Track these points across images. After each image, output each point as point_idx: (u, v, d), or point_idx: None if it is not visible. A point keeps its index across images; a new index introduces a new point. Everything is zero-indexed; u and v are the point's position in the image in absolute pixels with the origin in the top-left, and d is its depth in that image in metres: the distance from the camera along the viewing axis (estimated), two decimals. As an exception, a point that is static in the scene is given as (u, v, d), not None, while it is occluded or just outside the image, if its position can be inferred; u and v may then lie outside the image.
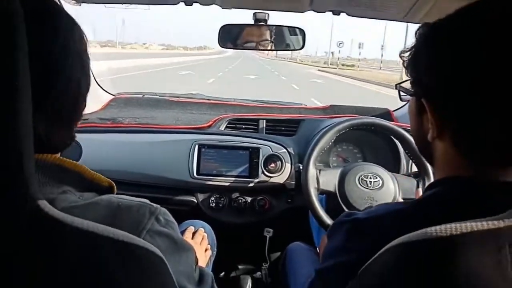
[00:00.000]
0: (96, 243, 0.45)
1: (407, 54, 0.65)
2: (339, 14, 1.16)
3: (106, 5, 1.26)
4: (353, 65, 48.01)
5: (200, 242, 1.23)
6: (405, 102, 1.11)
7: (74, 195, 0.57)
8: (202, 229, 1.30)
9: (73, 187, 0.58)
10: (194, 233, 1.26)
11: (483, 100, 0.53)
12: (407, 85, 0.69)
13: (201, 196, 1.58)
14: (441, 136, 0.60)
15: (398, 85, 0.75)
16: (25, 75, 0.41)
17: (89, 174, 0.62)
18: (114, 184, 0.66)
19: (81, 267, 0.45)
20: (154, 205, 0.61)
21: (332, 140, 1.40)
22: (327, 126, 1.46)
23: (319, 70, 38.27)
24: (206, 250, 1.24)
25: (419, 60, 0.62)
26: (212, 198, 1.57)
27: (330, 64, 50.85)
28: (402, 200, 1.31)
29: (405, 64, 0.66)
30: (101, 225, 0.46)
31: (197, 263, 0.73)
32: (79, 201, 0.55)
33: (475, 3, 0.57)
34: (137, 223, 0.57)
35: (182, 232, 1.24)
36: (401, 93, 0.75)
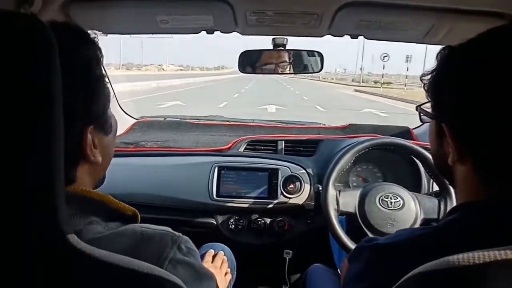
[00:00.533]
0: (121, 275, 0.47)
1: (428, 77, 0.65)
2: (357, 38, 1.18)
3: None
4: (389, 82, 45.43)
5: (220, 266, 1.23)
6: None
7: (100, 225, 0.59)
8: (222, 252, 1.30)
9: (98, 217, 0.60)
10: (214, 257, 1.26)
11: (505, 128, 0.53)
12: (428, 106, 0.69)
13: (220, 218, 1.59)
14: (462, 160, 0.60)
15: (418, 107, 0.74)
16: (59, 110, 0.44)
17: (114, 204, 0.63)
18: (138, 213, 0.67)
19: None
20: (176, 233, 0.62)
21: (352, 161, 1.40)
22: (346, 147, 1.46)
23: (356, 90, 31.45)
24: (226, 273, 1.24)
25: (440, 84, 0.62)
26: (232, 220, 1.57)
27: (363, 82, 48.21)
28: (423, 218, 1.29)
29: (425, 87, 0.66)
30: (126, 258, 0.48)
31: None
32: (104, 232, 0.57)
33: (497, 29, 0.58)
34: (160, 252, 0.58)
35: (202, 256, 1.25)
36: (421, 114, 0.74)
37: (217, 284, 0.73)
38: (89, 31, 0.63)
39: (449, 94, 0.60)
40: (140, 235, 0.58)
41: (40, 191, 0.43)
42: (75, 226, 0.55)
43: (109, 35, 1.25)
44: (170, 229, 0.63)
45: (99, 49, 0.62)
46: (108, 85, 0.64)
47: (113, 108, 1.78)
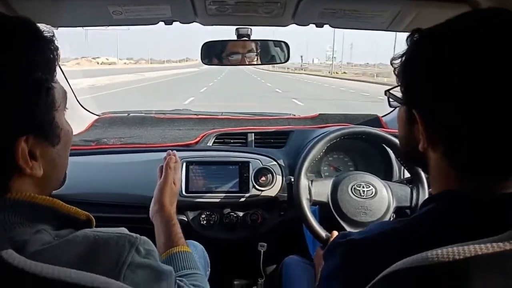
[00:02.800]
0: None
1: (397, 61, 0.63)
2: (322, 26, 1.15)
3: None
4: (344, 72, 46.06)
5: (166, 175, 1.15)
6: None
7: (49, 234, 0.54)
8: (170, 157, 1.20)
9: (48, 225, 0.56)
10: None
11: (477, 112, 0.52)
12: (398, 91, 0.67)
13: (191, 214, 1.55)
14: (433, 147, 0.59)
15: (387, 91, 0.72)
16: None
17: (65, 209, 0.59)
18: (93, 218, 0.63)
19: None
20: (134, 235, 0.59)
21: (323, 150, 1.38)
22: (317, 137, 1.45)
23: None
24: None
25: (411, 68, 0.61)
26: (203, 216, 1.54)
27: (335, 72, 47.16)
28: (396, 206, 1.30)
29: (395, 72, 0.64)
30: (74, 271, 0.44)
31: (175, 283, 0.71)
32: (53, 242, 0.53)
33: (466, 14, 0.57)
34: (117, 256, 0.55)
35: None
36: (390, 99, 0.72)
37: (175, 279, 0.71)
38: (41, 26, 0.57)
39: (420, 78, 0.58)
40: (93, 241, 0.54)
41: None
42: (20, 236, 0.51)
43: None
44: (126, 231, 0.60)
45: (51, 49, 0.56)
46: (56, 91, 0.57)
47: (72, 105, 1.71)
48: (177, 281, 0.72)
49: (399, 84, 0.64)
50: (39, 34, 0.56)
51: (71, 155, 1.52)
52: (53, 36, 0.58)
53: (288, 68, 64.63)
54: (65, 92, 0.62)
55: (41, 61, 0.54)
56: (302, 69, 68.32)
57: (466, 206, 0.55)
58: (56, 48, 0.57)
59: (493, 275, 0.42)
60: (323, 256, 0.71)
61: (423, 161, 0.63)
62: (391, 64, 0.65)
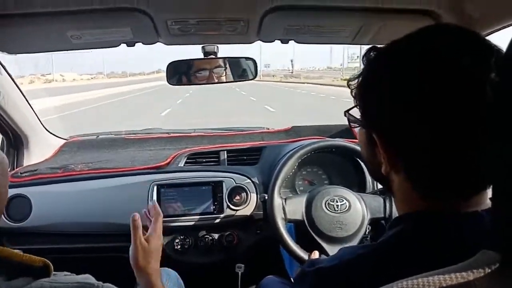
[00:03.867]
0: None
1: (354, 81, 0.61)
2: (287, 42, 1.15)
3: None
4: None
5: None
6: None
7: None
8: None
9: (0, 276, 0.52)
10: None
11: (434, 134, 0.50)
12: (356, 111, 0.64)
13: (165, 239, 1.50)
14: (395, 169, 0.57)
15: (346, 112, 0.68)
16: None
17: (18, 257, 0.55)
18: (49, 263, 0.59)
19: None
20: (95, 283, 0.56)
21: (295, 166, 1.37)
22: (288, 152, 1.44)
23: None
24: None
25: (367, 89, 0.58)
26: (177, 240, 1.49)
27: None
28: (370, 218, 1.29)
29: (353, 94, 0.62)
30: None
31: None
32: None
33: (420, 31, 0.55)
34: None
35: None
36: (350, 120, 0.68)
37: None
38: None
39: (377, 100, 0.56)
40: None
41: None
42: None
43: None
44: (90, 278, 0.57)
45: None
46: None
47: (35, 130, 1.64)
48: None
49: (357, 106, 0.62)
50: None
51: (38, 184, 1.47)
52: None
53: (274, 76, 61.07)
54: None
55: None
56: (292, 77, 61.57)
57: (431, 227, 0.54)
58: None
59: None
60: (293, 282, 0.69)
61: (387, 183, 0.62)
62: (348, 86, 0.63)
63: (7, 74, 1.38)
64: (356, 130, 0.73)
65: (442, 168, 0.51)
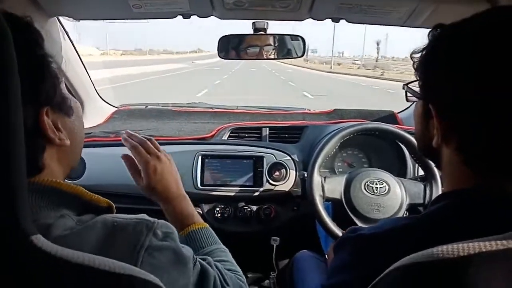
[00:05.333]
0: (92, 277, 0.45)
1: (418, 55, 0.63)
2: (338, 21, 1.15)
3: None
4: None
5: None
6: (410, 103, 1.10)
7: (72, 219, 0.57)
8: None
9: (71, 210, 0.58)
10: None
11: (491, 110, 0.52)
12: (415, 86, 0.67)
13: (206, 207, 1.58)
14: (447, 143, 0.59)
15: (405, 85, 0.72)
16: (16, 91, 0.40)
17: (87, 196, 0.61)
18: (113, 204, 0.65)
19: None
20: (151, 219, 0.60)
21: (337, 146, 1.39)
22: (330, 133, 1.45)
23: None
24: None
25: (431, 63, 0.61)
26: (217, 209, 1.56)
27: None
28: (409, 203, 1.30)
29: (415, 66, 0.64)
30: (98, 258, 0.45)
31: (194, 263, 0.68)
32: (75, 227, 0.55)
33: (489, 11, 0.57)
34: (135, 241, 0.56)
35: None
36: (408, 94, 0.72)
37: (194, 256, 0.69)
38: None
39: (439, 73, 0.58)
40: (111, 227, 0.56)
41: None
42: (45, 219, 0.53)
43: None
44: (145, 216, 0.61)
45: (37, 32, 0.59)
46: (54, 65, 0.60)
47: (91, 98, 1.74)
48: (200, 261, 0.71)
49: (418, 78, 0.64)
50: (22, 20, 0.58)
51: (92, 146, 1.58)
52: (30, 18, 0.59)
53: (340, 65, 54.96)
54: (59, 67, 0.65)
55: (35, 40, 0.57)
56: (307, 61, 61.12)
57: (476, 204, 0.55)
58: (36, 30, 0.59)
59: (496, 271, 0.42)
60: (333, 249, 0.72)
61: (436, 157, 0.63)
62: (411, 58, 0.65)
63: (69, 41, 1.47)
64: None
65: (496, 144, 0.53)
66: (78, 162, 0.70)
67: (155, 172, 0.92)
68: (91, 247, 0.52)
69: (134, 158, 0.95)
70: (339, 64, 50.45)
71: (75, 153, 0.67)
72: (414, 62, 0.64)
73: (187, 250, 0.66)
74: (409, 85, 0.71)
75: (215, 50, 1.47)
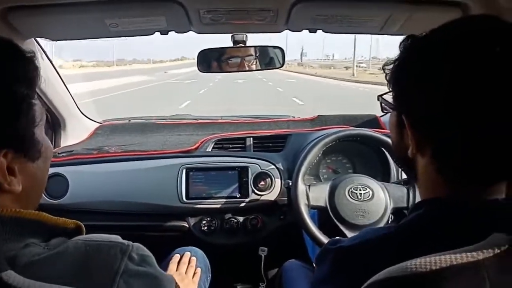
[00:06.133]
0: None
1: (390, 66, 0.64)
2: (315, 32, 1.17)
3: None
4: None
5: (186, 270, 1.21)
6: None
7: (39, 246, 0.54)
8: (188, 253, 1.28)
9: (36, 238, 0.56)
10: (179, 262, 1.24)
11: (462, 120, 0.52)
12: (389, 97, 0.68)
13: (192, 220, 1.57)
14: (421, 152, 0.60)
15: (379, 97, 0.74)
16: None
17: (51, 220, 0.59)
18: (82, 225, 0.63)
19: None
20: (126, 242, 0.58)
21: (320, 154, 1.40)
22: (313, 140, 1.46)
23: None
24: (194, 274, 1.23)
25: (401, 75, 0.62)
26: (204, 222, 1.56)
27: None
28: (393, 207, 1.31)
29: (387, 78, 0.65)
30: None
31: None
32: (44, 252, 0.53)
33: (457, 21, 0.58)
34: (110, 266, 0.54)
35: (168, 262, 1.23)
36: (383, 104, 0.73)
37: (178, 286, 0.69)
38: (36, 40, 0.58)
39: (410, 84, 0.59)
40: (84, 251, 0.54)
41: None
42: (8, 251, 0.50)
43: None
44: (119, 239, 0.59)
45: (33, 68, 0.57)
46: (37, 107, 0.58)
47: (71, 114, 1.72)
48: None
49: (390, 90, 0.66)
50: (21, 53, 0.57)
51: (75, 164, 1.56)
52: (34, 56, 0.59)
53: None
54: (43, 109, 0.62)
55: (24, 77, 0.55)
56: (303, 65, 57.84)
57: (451, 213, 0.56)
58: (37, 68, 0.58)
59: (466, 283, 0.43)
60: (315, 261, 0.72)
61: (412, 166, 0.64)
62: (383, 70, 0.66)
63: (48, 60, 1.46)
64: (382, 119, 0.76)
65: (469, 153, 0.53)
66: (36, 205, 0.65)
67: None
68: (64, 274, 0.50)
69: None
70: (346, 68, 40.95)
71: (32, 198, 0.63)
72: (386, 74, 0.65)
73: (167, 275, 0.64)
74: (383, 97, 0.72)
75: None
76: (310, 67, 54.32)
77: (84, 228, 0.63)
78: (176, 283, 0.67)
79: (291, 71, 43.16)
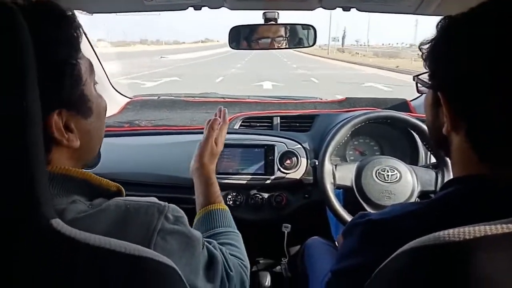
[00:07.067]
0: (108, 258, 0.47)
1: (426, 46, 0.65)
2: (349, 10, 1.15)
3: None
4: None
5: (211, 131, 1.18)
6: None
7: (84, 203, 0.58)
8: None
9: (82, 196, 0.60)
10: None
11: (496, 96, 0.53)
12: (425, 77, 0.69)
13: None
14: (456, 130, 0.60)
15: (416, 77, 0.74)
16: (34, 87, 0.43)
17: (97, 181, 0.63)
18: (123, 188, 0.67)
19: (95, 283, 0.46)
20: (162, 203, 0.62)
21: (348, 134, 1.39)
22: (342, 121, 1.46)
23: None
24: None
25: (437, 53, 0.62)
26: (230, 196, 1.59)
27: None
28: (420, 190, 1.30)
29: (423, 56, 0.66)
30: (113, 240, 0.48)
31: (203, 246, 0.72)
32: (88, 210, 0.57)
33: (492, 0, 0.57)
34: (148, 224, 0.58)
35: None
36: (419, 85, 0.74)
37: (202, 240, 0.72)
38: (73, 11, 0.60)
39: (446, 62, 0.60)
40: (124, 209, 0.58)
41: (19, 175, 0.42)
42: (58, 205, 0.55)
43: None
44: (156, 200, 0.63)
45: (74, 28, 0.59)
46: (81, 66, 0.60)
47: (105, 88, 1.77)
48: (207, 245, 0.74)
49: (427, 69, 0.66)
50: (61, 14, 0.58)
51: (107, 136, 1.61)
52: (74, 15, 0.60)
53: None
54: (91, 66, 0.65)
55: (65, 38, 0.57)
56: (343, 51, 52.53)
57: (483, 191, 0.56)
58: (78, 26, 0.60)
59: (500, 254, 0.43)
60: (342, 234, 0.73)
61: (446, 145, 0.65)
62: (419, 49, 0.66)
63: (84, 35, 1.49)
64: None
65: (504, 131, 0.53)
66: (92, 160, 0.71)
67: (218, 155, 1.15)
68: (105, 230, 0.54)
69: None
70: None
71: (88, 153, 0.68)
72: (423, 53, 0.66)
73: (197, 234, 0.68)
74: (419, 77, 0.72)
75: (223, 40, 1.45)
76: (358, 54, 43.39)
77: (124, 191, 0.67)
78: (202, 240, 0.71)
79: (332, 59, 35.94)
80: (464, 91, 0.57)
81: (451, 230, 0.45)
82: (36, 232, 0.44)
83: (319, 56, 41.98)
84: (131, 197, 0.62)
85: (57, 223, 0.45)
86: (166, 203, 0.63)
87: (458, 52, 0.57)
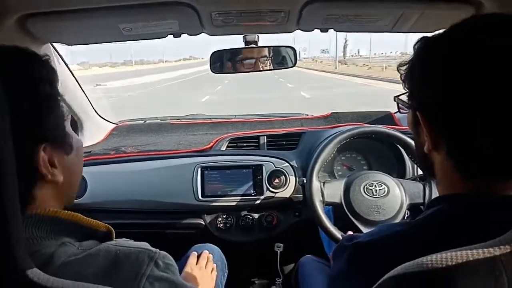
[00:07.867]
0: None
1: (404, 67, 0.66)
2: (327, 31, 1.17)
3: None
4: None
5: (205, 265, 1.24)
6: None
7: (74, 246, 0.58)
8: (206, 251, 1.30)
9: (71, 237, 0.60)
10: (198, 257, 1.27)
11: (471, 119, 0.53)
12: (405, 97, 0.70)
13: (208, 218, 1.60)
14: (437, 149, 0.61)
15: (396, 97, 0.76)
16: (7, 137, 0.42)
17: (86, 222, 0.63)
18: (112, 229, 0.67)
19: None
20: (153, 249, 0.62)
21: (334, 151, 1.40)
22: (327, 138, 1.46)
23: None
24: (212, 270, 1.26)
25: (414, 75, 0.63)
26: (220, 219, 1.58)
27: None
28: (409, 203, 1.31)
29: (402, 77, 0.67)
30: (95, 287, 0.47)
31: None
32: (78, 254, 0.57)
33: (466, 20, 0.58)
34: (137, 270, 0.58)
35: (187, 258, 1.26)
36: (400, 105, 0.76)
37: None
38: (52, 45, 0.62)
39: (422, 84, 0.61)
40: (114, 255, 0.58)
41: None
42: (46, 248, 0.55)
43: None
44: (147, 245, 0.63)
45: (51, 69, 0.62)
46: (63, 103, 0.63)
47: (89, 116, 1.76)
48: None
49: (405, 89, 0.67)
50: (38, 57, 0.61)
51: (93, 164, 1.60)
52: (49, 59, 0.63)
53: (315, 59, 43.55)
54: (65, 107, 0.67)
55: (46, 77, 0.60)
56: (346, 63, 48.78)
57: (468, 209, 0.56)
58: (53, 69, 0.62)
59: (482, 279, 0.44)
60: (332, 256, 0.73)
61: (430, 164, 0.65)
62: (398, 70, 0.68)
63: (64, 64, 1.49)
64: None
65: (483, 149, 0.54)
66: (74, 197, 0.71)
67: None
68: (95, 275, 0.54)
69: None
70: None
71: (70, 189, 0.68)
72: (401, 74, 0.67)
73: (185, 285, 0.67)
74: (399, 97, 0.74)
75: (207, 57, 1.46)
76: (367, 65, 36.86)
77: (114, 232, 0.67)
78: None
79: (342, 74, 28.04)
80: (440, 112, 0.57)
81: (434, 256, 0.45)
82: (13, 285, 0.43)
83: (324, 71, 35.03)
84: (122, 240, 0.63)
85: (33, 273, 0.44)
86: (158, 250, 0.63)
87: (432, 76, 0.58)
